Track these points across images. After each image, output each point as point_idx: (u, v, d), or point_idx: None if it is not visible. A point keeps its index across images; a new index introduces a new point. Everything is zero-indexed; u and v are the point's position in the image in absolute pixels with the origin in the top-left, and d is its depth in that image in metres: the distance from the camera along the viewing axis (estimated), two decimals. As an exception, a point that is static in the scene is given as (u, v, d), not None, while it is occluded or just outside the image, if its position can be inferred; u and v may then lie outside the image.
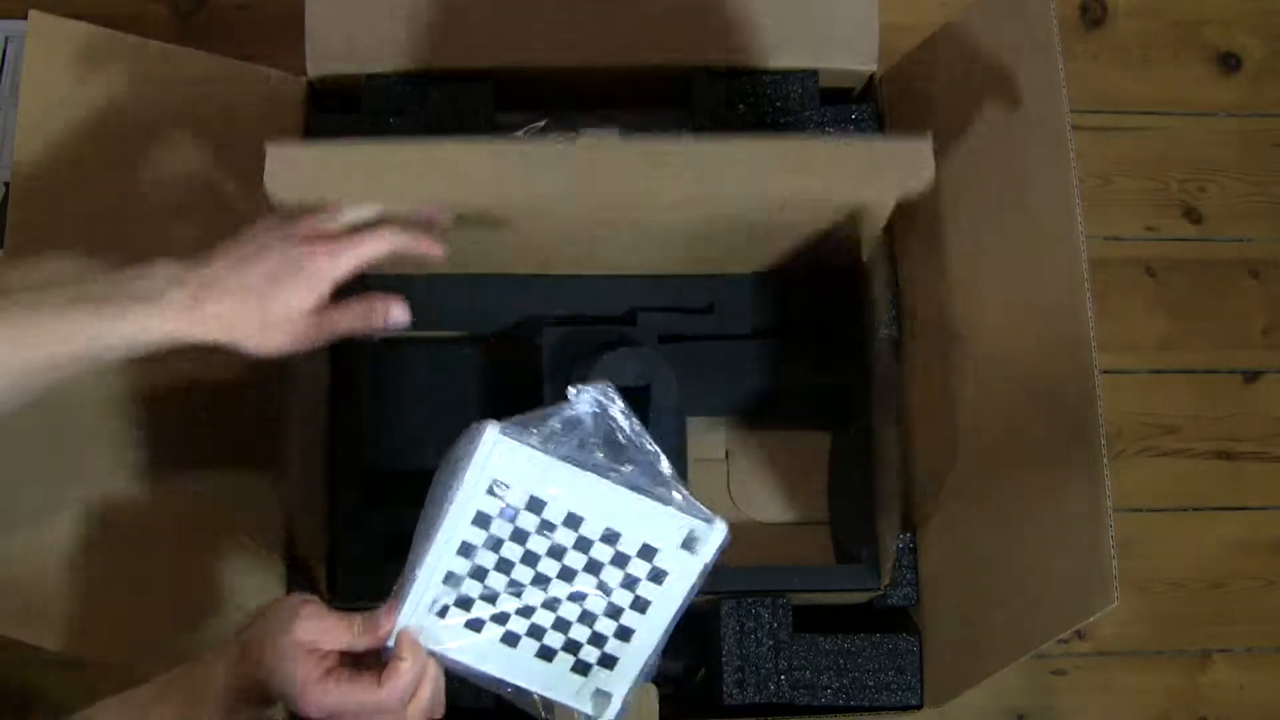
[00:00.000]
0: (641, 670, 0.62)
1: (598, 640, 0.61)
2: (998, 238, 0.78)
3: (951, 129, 0.82)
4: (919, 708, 0.79)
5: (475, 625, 0.61)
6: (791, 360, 0.85)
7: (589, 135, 0.73)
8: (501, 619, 0.61)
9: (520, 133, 0.95)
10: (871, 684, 0.79)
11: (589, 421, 0.59)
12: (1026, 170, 0.76)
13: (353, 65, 0.88)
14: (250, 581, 0.78)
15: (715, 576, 0.79)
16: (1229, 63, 1.10)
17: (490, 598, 0.60)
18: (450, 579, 0.60)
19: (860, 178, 0.74)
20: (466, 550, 0.59)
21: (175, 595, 0.77)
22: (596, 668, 0.62)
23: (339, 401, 0.83)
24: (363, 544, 0.80)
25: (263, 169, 0.71)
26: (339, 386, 0.83)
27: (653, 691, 0.75)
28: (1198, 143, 1.08)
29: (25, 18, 0.80)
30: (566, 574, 0.60)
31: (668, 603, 0.61)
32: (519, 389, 0.83)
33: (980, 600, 0.76)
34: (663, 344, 0.84)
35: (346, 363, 0.83)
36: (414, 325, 0.66)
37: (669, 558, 0.60)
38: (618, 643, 0.61)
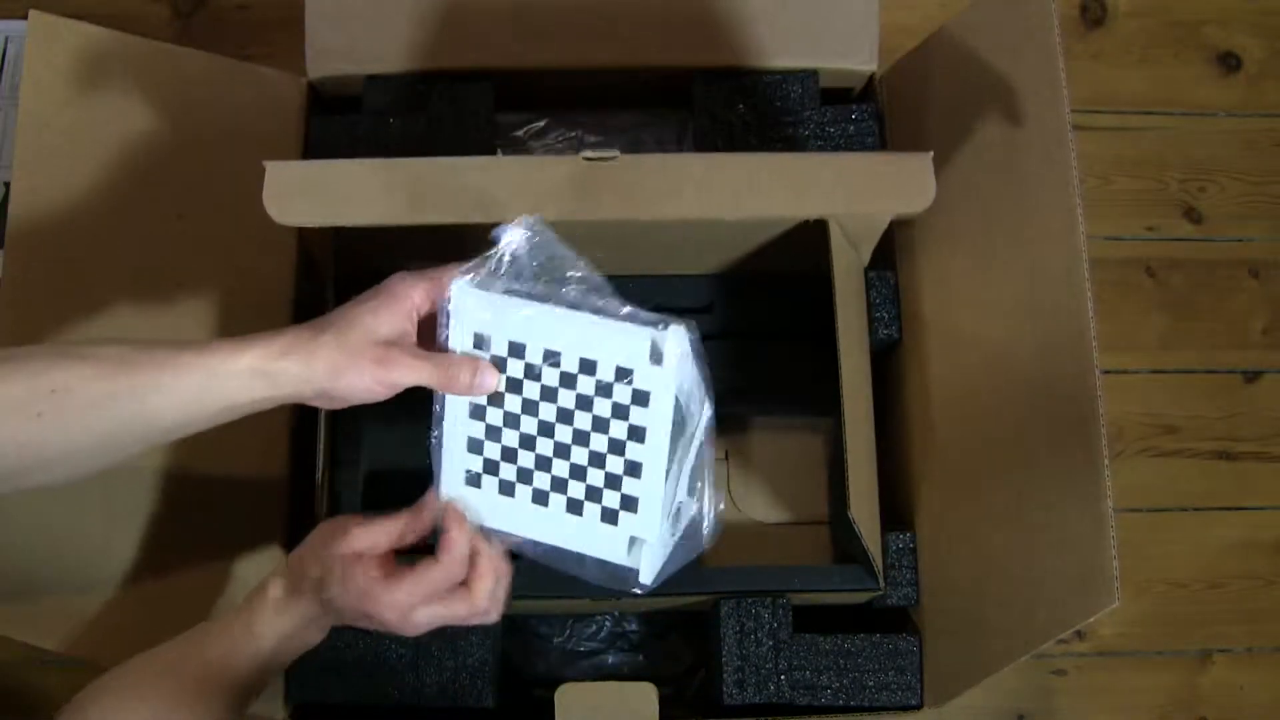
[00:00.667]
0: (664, 509, 0.62)
1: (613, 482, 0.62)
2: (998, 238, 0.78)
3: (951, 129, 0.82)
4: (919, 708, 0.79)
5: (507, 489, 0.63)
6: (791, 360, 0.85)
7: (590, 154, 0.73)
8: (526, 476, 0.62)
9: (520, 132, 0.95)
10: (871, 684, 0.79)
11: (525, 253, 0.60)
12: (1026, 170, 0.76)
13: (353, 65, 0.88)
14: (251, 581, 0.78)
15: (715, 577, 0.80)
16: (1229, 63, 1.10)
17: (510, 455, 0.62)
18: (471, 444, 0.62)
19: (861, 198, 0.74)
20: (477, 412, 0.62)
21: (175, 595, 0.77)
22: (622, 514, 0.62)
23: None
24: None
25: (263, 169, 0.71)
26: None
27: (653, 691, 0.75)
28: (1198, 143, 1.08)
29: (25, 18, 0.80)
30: (564, 416, 0.61)
31: (659, 424, 0.60)
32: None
33: (980, 600, 0.76)
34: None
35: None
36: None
37: (644, 376, 0.60)
38: (631, 480, 0.61)
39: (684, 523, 0.64)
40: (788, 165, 0.75)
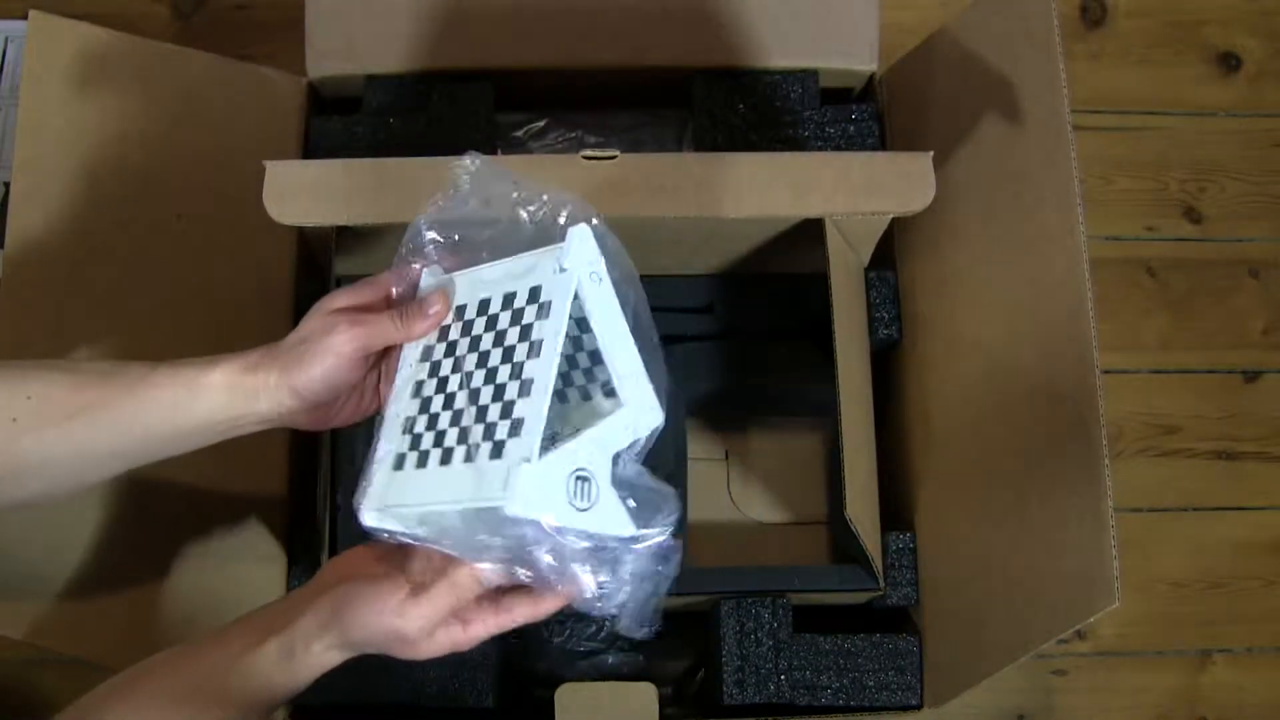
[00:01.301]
0: (545, 425, 0.53)
1: (508, 409, 0.54)
2: (998, 238, 0.78)
3: (951, 129, 0.82)
4: (919, 708, 0.79)
5: (423, 460, 0.57)
6: (791, 360, 0.85)
7: (590, 154, 0.73)
8: (440, 438, 0.57)
9: (520, 132, 0.95)
10: (871, 684, 0.79)
11: (469, 190, 0.60)
12: (1026, 170, 0.76)
13: (353, 65, 0.88)
14: (251, 581, 0.78)
15: (715, 577, 0.80)
16: (1229, 63, 1.10)
17: (433, 421, 0.58)
18: (405, 425, 0.59)
19: (861, 197, 0.74)
20: (415, 389, 0.60)
21: (175, 595, 0.77)
22: (509, 442, 0.54)
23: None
24: (362, 543, 0.80)
25: (263, 169, 0.71)
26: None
27: (653, 691, 0.75)
28: (1198, 143, 1.08)
29: (25, 18, 0.80)
30: (483, 359, 0.57)
31: (553, 329, 0.55)
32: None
33: (980, 600, 0.76)
34: (663, 344, 0.84)
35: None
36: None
37: (550, 288, 0.56)
38: (522, 401, 0.54)
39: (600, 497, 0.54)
40: (787, 165, 0.75)
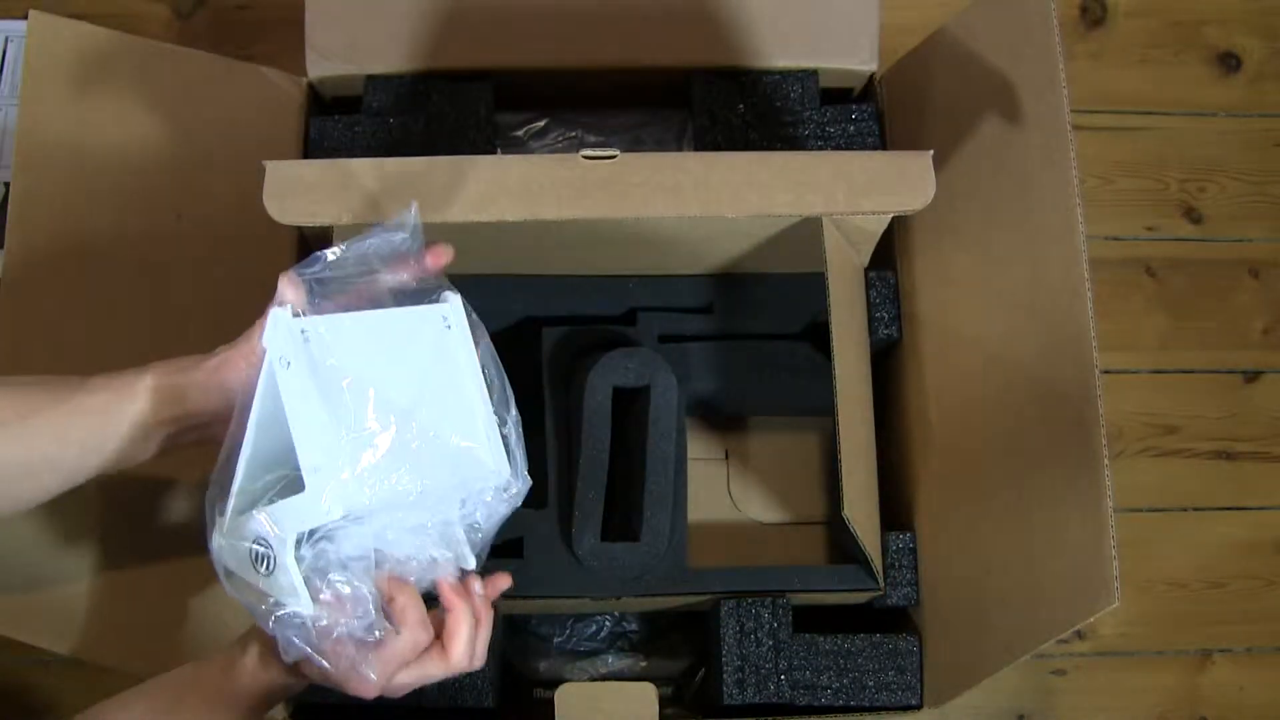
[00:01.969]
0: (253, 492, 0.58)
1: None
2: (998, 238, 0.78)
3: (951, 129, 0.82)
4: (919, 708, 0.79)
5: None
6: (790, 360, 0.85)
7: (590, 154, 0.73)
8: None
9: (520, 132, 0.95)
10: (871, 684, 0.79)
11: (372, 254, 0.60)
12: (1026, 170, 0.76)
13: (353, 65, 0.88)
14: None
15: (715, 577, 0.80)
16: (1229, 63, 1.10)
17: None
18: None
19: (861, 197, 0.74)
20: None
21: (175, 596, 0.77)
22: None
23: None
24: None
25: (263, 169, 0.71)
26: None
27: (653, 691, 0.75)
28: (1198, 143, 1.08)
29: (25, 18, 0.80)
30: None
31: (245, 408, 0.58)
32: (518, 389, 0.82)
33: (980, 600, 0.76)
34: (663, 344, 0.84)
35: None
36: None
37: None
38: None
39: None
40: (787, 164, 0.75)
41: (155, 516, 0.77)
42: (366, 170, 0.73)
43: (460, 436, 0.59)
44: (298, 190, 0.72)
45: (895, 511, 0.84)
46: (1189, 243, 1.06)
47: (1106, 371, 0.99)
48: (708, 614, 0.82)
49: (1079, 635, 0.98)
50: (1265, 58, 1.10)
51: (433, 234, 0.70)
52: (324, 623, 0.55)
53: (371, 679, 0.56)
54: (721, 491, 0.88)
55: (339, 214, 0.72)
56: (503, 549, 0.72)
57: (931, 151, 0.74)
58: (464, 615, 0.58)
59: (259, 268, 0.82)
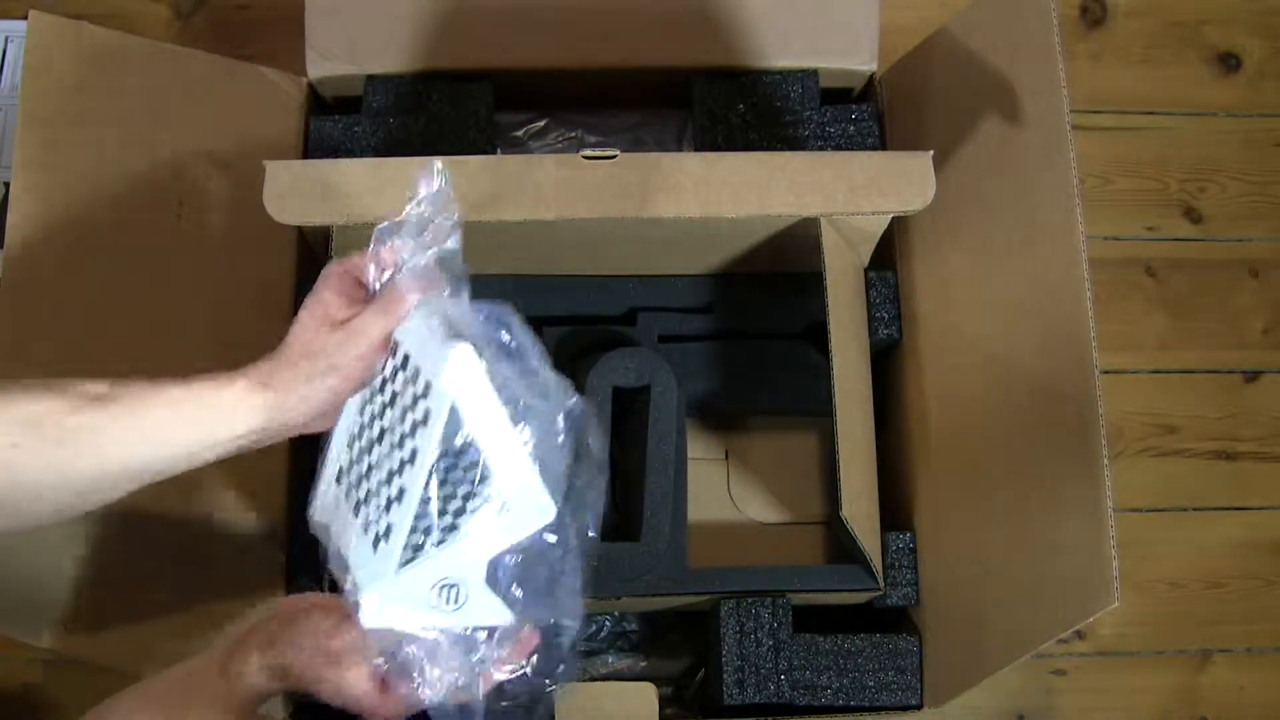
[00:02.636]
0: (415, 551, 0.55)
1: (388, 507, 0.56)
2: (998, 238, 0.78)
3: (951, 129, 0.82)
4: (919, 708, 0.79)
5: (347, 491, 0.59)
6: (790, 360, 0.85)
7: (590, 153, 0.73)
8: (356, 482, 0.59)
9: (520, 132, 0.95)
10: (871, 684, 0.79)
11: (432, 204, 0.59)
12: (1026, 170, 0.76)
13: (353, 65, 0.88)
14: (251, 582, 0.78)
15: (715, 577, 0.80)
16: (1229, 63, 1.10)
17: (360, 456, 0.59)
18: (349, 438, 0.60)
19: (861, 197, 0.74)
20: (364, 408, 0.60)
21: (175, 596, 0.77)
22: (382, 543, 0.56)
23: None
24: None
25: (263, 169, 0.71)
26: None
27: (653, 691, 0.75)
28: (1198, 143, 1.08)
29: (25, 18, 0.80)
30: (393, 426, 0.58)
31: (426, 451, 0.55)
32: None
33: (980, 600, 0.76)
34: (662, 344, 0.84)
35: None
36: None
37: (434, 396, 0.55)
38: (396, 509, 0.56)
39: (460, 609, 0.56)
40: (787, 165, 0.75)
41: (156, 515, 0.77)
42: (366, 170, 0.73)
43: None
44: (298, 190, 0.72)
45: (895, 511, 0.84)
46: (1189, 243, 1.06)
47: (1106, 371, 0.99)
48: (708, 614, 0.82)
49: (1079, 635, 0.98)
50: (1265, 58, 1.10)
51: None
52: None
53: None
54: (721, 491, 0.88)
55: (338, 214, 0.72)
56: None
57: (931, 152, 0.74)
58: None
59: (259, 268, 0.83)
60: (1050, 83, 0.73)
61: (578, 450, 0.57)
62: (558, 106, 0.95)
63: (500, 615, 0.56)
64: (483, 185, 0.72)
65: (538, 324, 0.84)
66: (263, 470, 0.79)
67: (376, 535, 0.56)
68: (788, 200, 0.74)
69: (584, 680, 0.83)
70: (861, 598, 0.82)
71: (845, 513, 0.72)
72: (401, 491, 0.55)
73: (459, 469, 0.55)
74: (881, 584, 0.79)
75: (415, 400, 0.56)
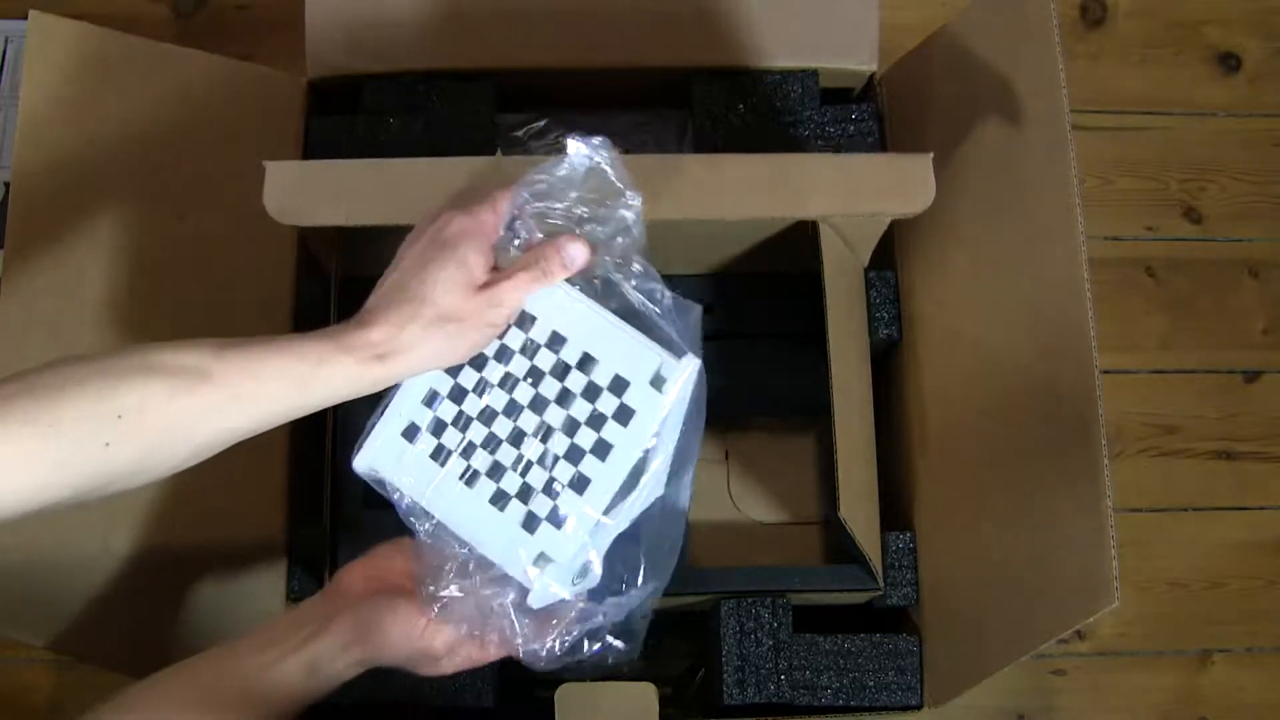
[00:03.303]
0: (590, 536, 0.58)
1: (552, 489, 0.58)
2: (998, 238, 0.78)
3: (951, 129, 0.82)
4: (919, 708, 0.79)
5: (440, 456, 0.59)
6: (790, 360, 0.85)
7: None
8: (467, 450, 0.58)
9: (520, 132, 0.95)
10: (871, 684, 0.79)
11: (580, 174, 0.58)
12: (1026, 170, 0.76)
13: (353, 65, 0.88)
14: (250, 581, 0.78)
15: (715, 577, 0.80)
16: (1229, 63, 1.10)
17: (463, 422, 0.58)
18: (429, 397, 0.59)
19: (861, 198, 0.74)
20: (454, 368, 0.59)
21: (176, 595, 0.77)
22: (545, 524, 0.58)
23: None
24: (363, 544, 0.80)
25: (263, 169, 0.71)
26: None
27: (653, 691, 0.75)
28: (1198, 143, 1.08)
29: (25, 18, 0.80)
30: (538, 404, 0.58)
31: (629, 447, 0.57)
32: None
33: (980, 600, 0.76)
34: (663, 344, 0.84)
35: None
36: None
37: (638, 395, 0.57)
38: (571, 495, 0.57)
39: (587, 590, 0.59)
40: (787, 165, 0.75)
41: (156, 515, 0.77)
42: (366, 170, 0.73)
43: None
44: (298, 190, 0.72)
45: (895, 511, 0.84)
46: (1189, 243, 1.06)
47: (1106, 371, 0.99)
48: (708, 614, 0.82)
49: (1079, 635, 0.98)
50: (1265, 58, 1.10)
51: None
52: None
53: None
54: (721, 491, 0.88)
55: (339, 214, 0.72)
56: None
57: (931, 154, 0.74)
58: None
59: (259, 268, 0.83)
60: (1050, 83, 0.73)
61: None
62: (558, 106, 0.95)
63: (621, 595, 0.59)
64: (481, 185, 0.72)
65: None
66: (263, 471, 0.79)
67: (531, 515, 0.58)
68: (788, 201, 0.74)
69: (584, 680, 0.83)
70: (861, 598, 0.82)
71: (843, 513, 0.72)
72: (584, 481, 0.57)
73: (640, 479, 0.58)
74: (881, 584, 0.79)
75: (592, 392, 0.58)
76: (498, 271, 0.58)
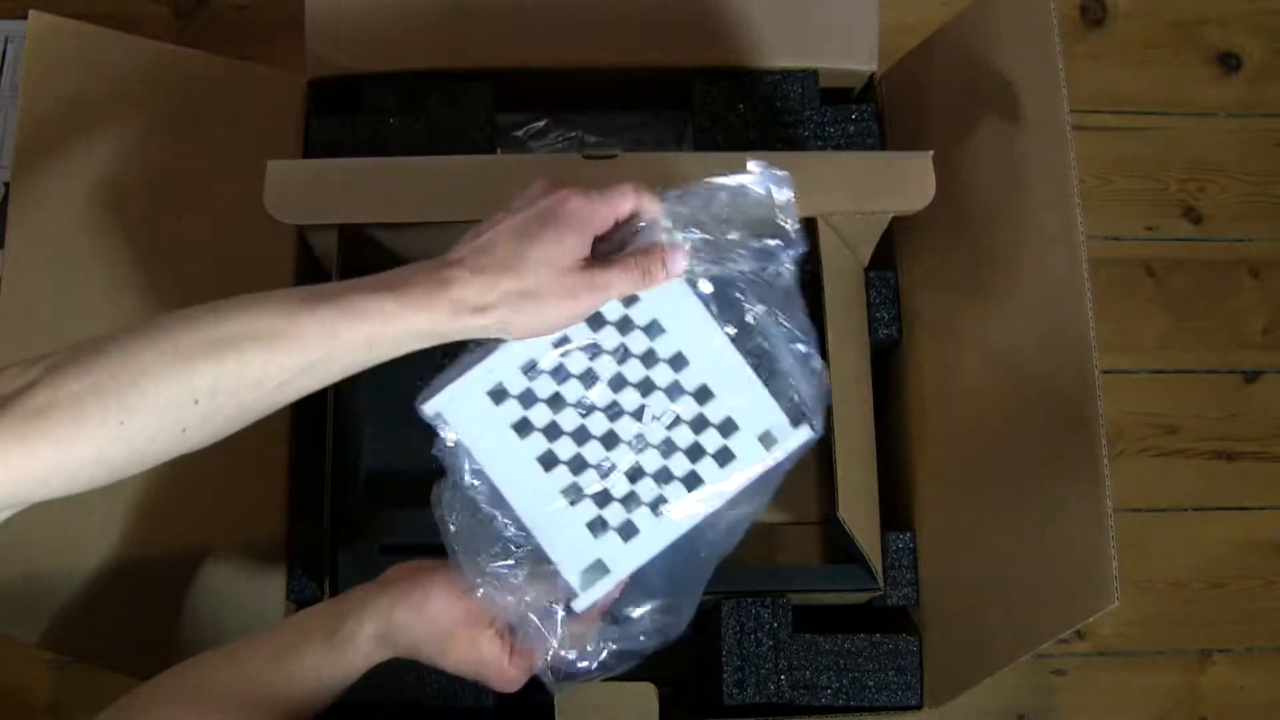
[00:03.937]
0: (650, 557, 0.57)
1: (631, 503, 0.57)
2: (998, 238, 0.78)
3: (951, 129, 0.82)
4: (919, 708, 0.79)
5: (523, 429, 0.57)
6: (792, 360, 0.85)
7: (590, 154, 0.73)
8: (553, 432, 0.57)
9: (520, 132, 0.95)
10: (871, 684, 0.79)
11: (749, 200, 0.56)
12: (1026, 170, 0.76)
13: (353, 65, 0.88)
14: (250, 582, 0.78)
15: (715, 577, 0.80)
16: (1229, 63, 1.10)
17: (558, 403, 0.57)
18: (526, 366, 0.57)
19: (861, 197, 0.74)
20: (562, 341, 0.57)
21: (176, 595, 0.77)
22: (613, 534, 0.57)
23: (339, 401, 0.83)
24: (363, 544, 0.80)
25: (263, 169, 0.71)
26: (338, 386, 0.83)
27: (653, 691, 0.75)
28: (1198, 143, 1.08)
29: (25, 18, 0.80)
30: (639, 414, 0.57)
31: (719, 486, 0.57)
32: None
33: (980, 600, 0.76)
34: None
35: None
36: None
37: (743, 444, 0.57)
38: (647, 513, 0.57)
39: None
40: (787, 165, 0.74)
41: (156, 515, 0.77)
42: (367, 170, 0.73)
43: None
44: (298, 190, 0.72)
45: (895, 511, 0.84)
46: (1189, 243, 1.06)
47: (1106, 371, 0.99)
48: (708, 614, 0.82)
49: (1079, 635, 0.98)
50: (1265, 58, 1.10)
51: (433, 235, 0.70)
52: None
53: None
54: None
55: (339, 214, 0.72)
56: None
57: (931, 152, 0.74)
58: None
59: (259, 267, 0.83)
60: (1050, 83, 0.73)
61: None
62: (558, 106, 0.95)
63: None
64: (481, 185, 0.72)
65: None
66: (263, 471, 0.79)
67: (601, 520, 0.58)
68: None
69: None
70: (861, 598, 0.82)
71: (843, 513, 0.72)
72: (660, 501, 0.57)
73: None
74: (881, 584, 0.79)
75: (699, 420, 0.58)
76: (590, 261, 0.56)
